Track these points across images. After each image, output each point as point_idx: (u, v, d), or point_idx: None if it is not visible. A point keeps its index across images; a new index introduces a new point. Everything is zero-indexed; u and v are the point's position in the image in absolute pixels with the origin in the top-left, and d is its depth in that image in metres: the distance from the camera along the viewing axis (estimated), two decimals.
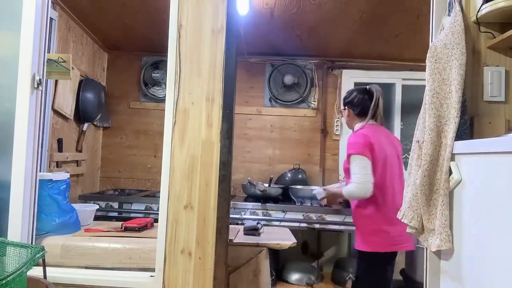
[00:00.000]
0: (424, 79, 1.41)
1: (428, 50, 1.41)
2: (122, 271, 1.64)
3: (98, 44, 3.55)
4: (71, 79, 2.70)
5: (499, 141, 1.11)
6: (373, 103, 2.01)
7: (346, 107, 2.13)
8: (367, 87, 2.07)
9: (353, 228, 2.26)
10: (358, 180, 1.90)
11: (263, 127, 3.74)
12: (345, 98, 2.15)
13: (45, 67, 1.70)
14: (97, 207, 2.16)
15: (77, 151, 3.26)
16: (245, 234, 2.06)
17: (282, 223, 2.87)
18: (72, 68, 2.16)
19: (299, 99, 3.68)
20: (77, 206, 1.99)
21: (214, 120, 1.60)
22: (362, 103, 2.03)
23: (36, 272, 1.31)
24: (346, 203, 2.84)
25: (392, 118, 3.69)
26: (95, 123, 3.54)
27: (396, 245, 1.96)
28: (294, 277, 3.00)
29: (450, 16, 1.44)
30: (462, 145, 1.28)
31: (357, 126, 2.08)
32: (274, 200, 3.15)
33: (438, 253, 1.40)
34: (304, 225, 2.93)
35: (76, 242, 1.70)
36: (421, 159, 1.36)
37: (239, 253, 1.86)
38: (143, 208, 3.02)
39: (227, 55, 1.62)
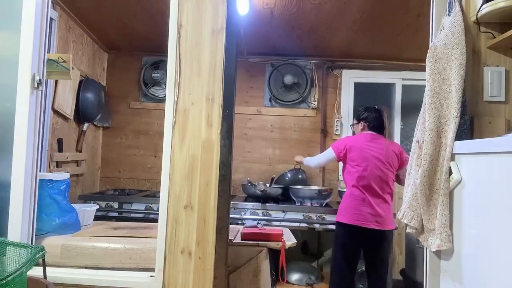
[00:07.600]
0: (424, 79, 1.41)
1: (428, 50, 1.41)
2: (122, 271, 1.64)
3: (98, 44, 3.55)
4: (71, 79, 2.70)
5: (499, 141, 1.11)
6: (385, 120, 2.51)
7: (361, 122, 2.56)
8: (376, 106, 2.57)
9: None
10: (314, 156, 2.84)
11: (263, 127, 3.74)
12: (359, 115, 2.60)
13: (45, 67, 1.69)
14: (97, 207, 2.16)
15: (77, 151, 3.26)
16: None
17: (282, 223, 2.87)
18: (72, 68, 2.16)
19: (299, 99, 3.68)
20: (77, 206, 1.99)
21: (214, 120, 1.60)
22: (375, 120, 2.52)
23: (36, 272, 1.31)
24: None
25: (392, 118, 3.69)
26: (95, 123, 3.54)
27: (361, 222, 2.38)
28: (294, 277, 3.00)
29: (450, 16, 1.44)
30: (462, 145, 1.28)
31: (359, 132, 2.58)
32: (274, 200, 3.15)
33: (438, 253, 1.40)
34: (304, 225, 2.93)
35: (76, 242, 1.70)
36: (421, 159, 1.36)
37: (239, 253, 1.86)
38: (143, 208, 3.02)
39: (227, 55, 1.62)
